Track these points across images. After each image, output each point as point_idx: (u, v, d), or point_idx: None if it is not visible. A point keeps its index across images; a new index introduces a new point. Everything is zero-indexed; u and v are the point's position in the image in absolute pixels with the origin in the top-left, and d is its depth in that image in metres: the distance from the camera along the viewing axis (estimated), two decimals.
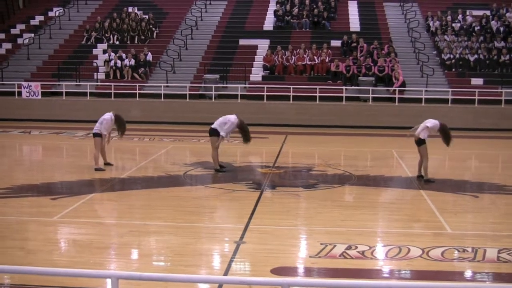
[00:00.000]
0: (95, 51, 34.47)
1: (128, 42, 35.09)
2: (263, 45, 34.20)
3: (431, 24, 35.18)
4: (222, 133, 17.17)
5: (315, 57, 31.90)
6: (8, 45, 35.50)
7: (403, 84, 29.87)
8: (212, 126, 17.42)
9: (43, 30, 36.36)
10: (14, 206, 13.51)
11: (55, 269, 7.54)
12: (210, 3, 38.95)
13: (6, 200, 13.94)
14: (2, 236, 11.16)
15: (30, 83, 30.79)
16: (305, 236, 11.74)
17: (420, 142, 16.32)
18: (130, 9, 37.44)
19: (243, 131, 17.60)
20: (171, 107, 29.89)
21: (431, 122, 16.51)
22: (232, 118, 17.39)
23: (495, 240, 11.19)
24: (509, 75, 30.87)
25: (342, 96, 29.60)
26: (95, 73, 32.16)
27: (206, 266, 10.05)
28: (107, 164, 17.88)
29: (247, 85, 30.94)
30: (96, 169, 17.25)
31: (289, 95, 29.61)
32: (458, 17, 35.57)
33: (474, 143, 25.20)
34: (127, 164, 19.50)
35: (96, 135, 17.47)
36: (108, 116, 17.64)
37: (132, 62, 32.05)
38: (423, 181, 16.29)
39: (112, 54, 32.56)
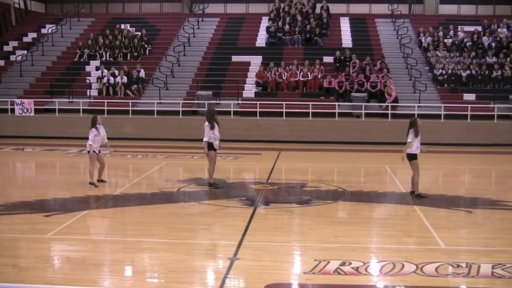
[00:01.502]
0: (87, 68, 34.50)
1: (121, 59, 35.13)
2: (255, 61, 34.29)
3: (423, 40, 35.35)
4: (204, 139, 17.30)
5: (308, 73, 31.97)
6: (0, 62, 35.51)
7: (395, 100, 29.95)
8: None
9: (36, 47, 36.36)
10: (7, 223, 13.45)
11: (48, 287, 7.50)
12: (202, 20, 39.06)
13: None
14: None
15: (23, 100, 30.76)
16: (299, 252, 11.71)
17: (410, 157, 16.31)
18: (122, 26, 37.52)
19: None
20: (164, 123, 29.88)
21: (410, 136, 16.38)
22: (205, 124, 17.49)
23: (489, 256, 11.17)
24: (501, 90, 31.00)
25: (335, 112, 29.67)
26: (88, 90, 32.17)
27: (200, 283, 10.00)
28: (100, 181, 17.87)
29: (240, 102, 30.98)
30: (91, 183, 17.31)
31: (282, 111, 29.64)
32: (450, 33, 35.75)
33: (466, 158, 25.28)
34: (120, 181, 19.47)
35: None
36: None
37: (125, 79, 32.07)
38: (415, 196, 16.30)
39: (105, 70, 32.58)
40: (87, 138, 17.85)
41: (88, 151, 17.66)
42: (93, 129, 17.61)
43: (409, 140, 16.20)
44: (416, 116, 19.70)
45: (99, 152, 17.78)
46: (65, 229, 12.88)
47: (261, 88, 32.07)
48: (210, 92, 31.13)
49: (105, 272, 10.40)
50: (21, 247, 11.77)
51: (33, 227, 13.06)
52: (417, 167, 16.30)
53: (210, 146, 17.34)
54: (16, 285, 7.74)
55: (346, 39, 36.84)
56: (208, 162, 17.69)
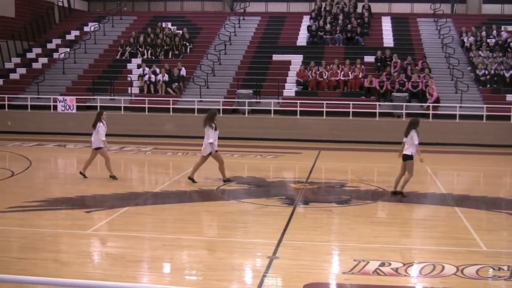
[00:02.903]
0: (129, 66, 34.77)
1: (162, 57, 35.34)
2: (296, 60, 34.23)
3: (465, 40, 34.93)
4: (210, 140, 17.91)
5: (349, 73, 31.82)
6: (44, 60, 35.97)
7: (437, 100, 29.65)
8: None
9: (79, 45, 36.79)
10: (49, 219, 13.65)
11: (88, 282, 7.56)
12: (243, 19, 39.11)
13: (41, 213, 14.08)
14: (37, 248, 11.26)
15: (65, 97, 31.14)
16: (338, 252, 11.67)
17: (406, 157, 16.17)
18: (164, 24, 37.72)
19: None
20: None
21: (415, 138, 16.20)
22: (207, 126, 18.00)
23: None
24: None
25: (376, 112, 29.46)
26: (129, 88, 32.44)
27: (239, 281, 10.03)
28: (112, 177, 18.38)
29: (280, 100, 30.96)
30: (112, 177, 18.30)
31: (322, 111, 29.53)
32: (493, 33, 35.28)
33: (509, 160, 24.90)
34: (161, 178, 19.62)
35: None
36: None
37: (166, 77, 32.25)
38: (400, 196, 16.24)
39: (146, 68, 32.80)
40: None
41: (99, 148, 18.29)
42: (100, 124, 18.18)
43: (416, 142, 15.94)
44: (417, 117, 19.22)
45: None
46: (105, 225, 13.03)
47: (301, 87, 32.01)
48: (250, 91, 31.14)
49: (144, 269, 10.49)
50: (62, 242, 11.93)
51: (74, 222, 13.23)
52: (411, 168, 16.15)
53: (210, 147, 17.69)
54: (57, 279, 7.80)
55: (388, 39, 36.60)
56: (198, 161, 18.18)
